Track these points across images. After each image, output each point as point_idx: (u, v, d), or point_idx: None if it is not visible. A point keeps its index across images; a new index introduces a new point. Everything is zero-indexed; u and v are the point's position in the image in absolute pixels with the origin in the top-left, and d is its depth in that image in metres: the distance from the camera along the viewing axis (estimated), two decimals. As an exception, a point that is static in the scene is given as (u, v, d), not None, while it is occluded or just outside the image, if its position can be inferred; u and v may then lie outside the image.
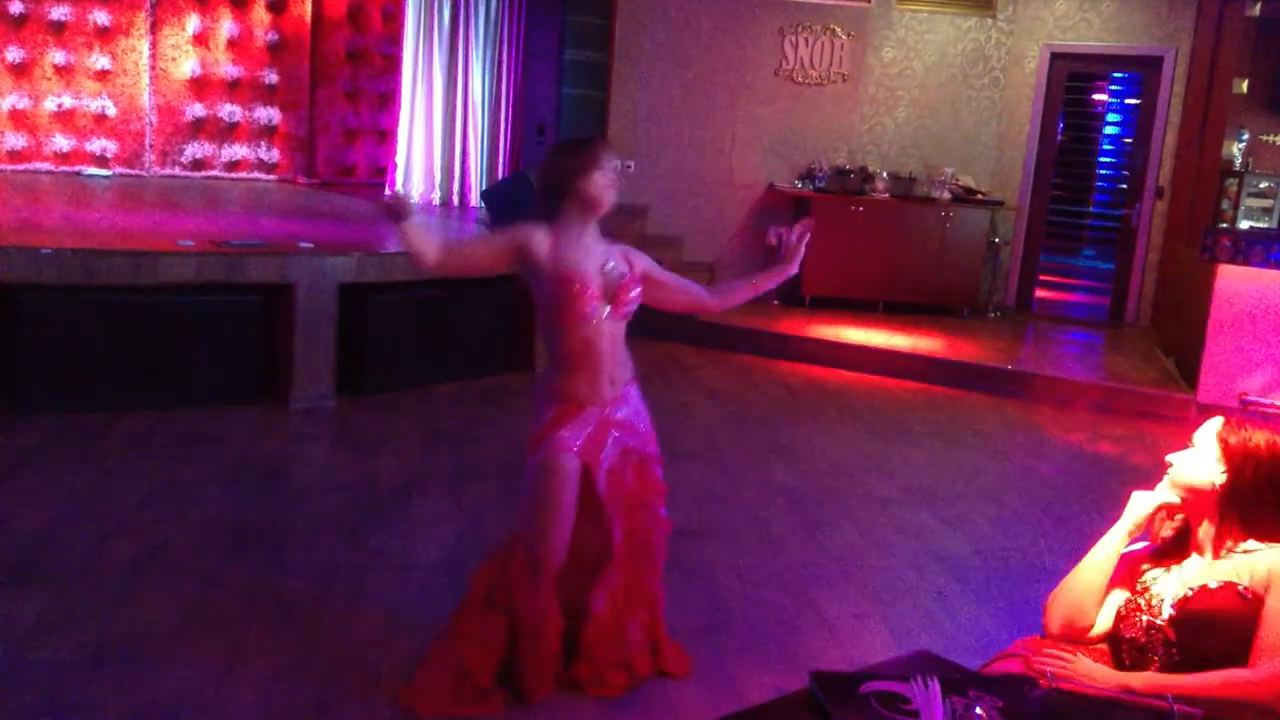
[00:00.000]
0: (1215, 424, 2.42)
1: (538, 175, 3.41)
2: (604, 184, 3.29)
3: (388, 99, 10.64)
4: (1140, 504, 2.45)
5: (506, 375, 7.41)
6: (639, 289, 3.40)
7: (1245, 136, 8.69)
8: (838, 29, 10.25)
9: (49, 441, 5.48)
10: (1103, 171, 10.70)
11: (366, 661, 3.61)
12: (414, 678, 3.44)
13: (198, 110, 10.32)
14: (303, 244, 6.68)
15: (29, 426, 5.63)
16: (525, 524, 3.46)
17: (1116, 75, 10.46)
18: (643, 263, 3.48)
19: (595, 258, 3.34)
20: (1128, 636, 2.32)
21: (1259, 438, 2.37)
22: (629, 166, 9.60)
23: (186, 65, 10.24)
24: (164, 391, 6.11)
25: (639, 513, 3.56)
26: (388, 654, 3.67)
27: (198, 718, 3.23)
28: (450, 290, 7.09)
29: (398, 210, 3.15)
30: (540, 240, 3.29)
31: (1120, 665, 2.26)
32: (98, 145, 10.00)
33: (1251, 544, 2.29)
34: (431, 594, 4.14)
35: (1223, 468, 2.34)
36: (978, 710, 1.88)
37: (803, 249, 3.52)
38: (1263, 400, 7.40)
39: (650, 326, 5.23)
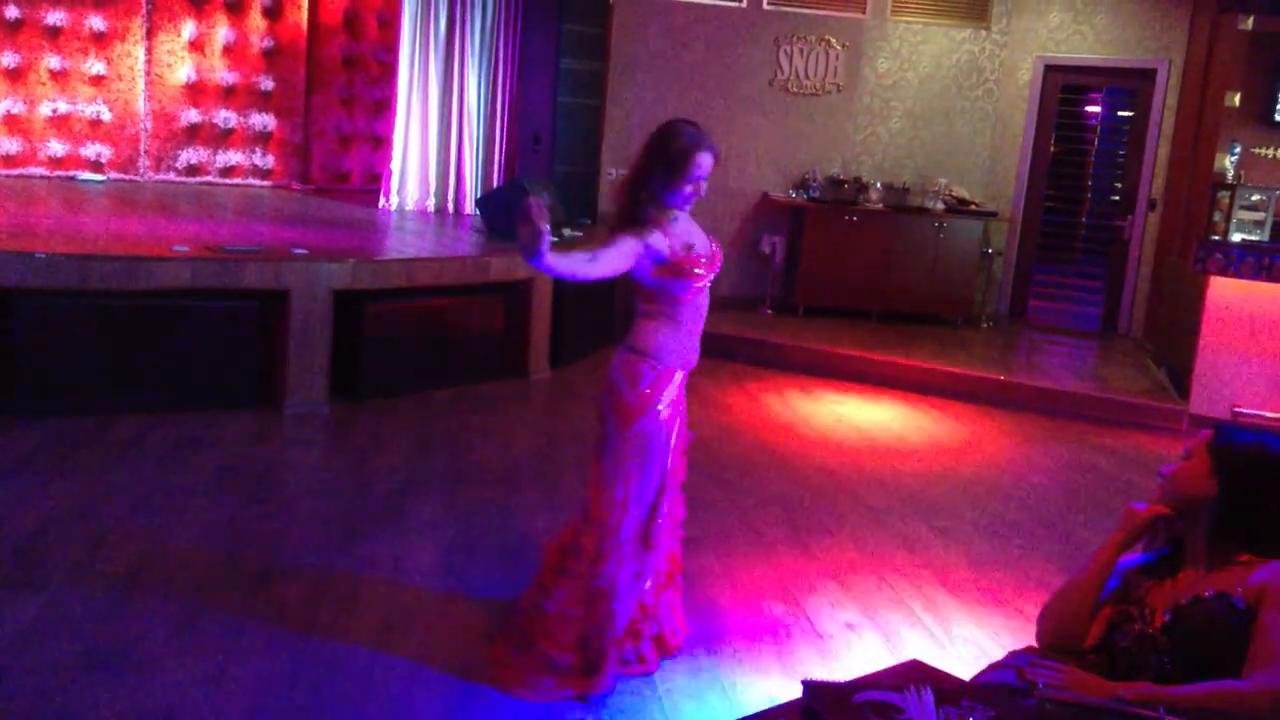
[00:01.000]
0: (1207, 436, 2.44)
1: (652, 150, 3.55)
2: (688, 191, 3.53)
3: (383, 106, 10.66)
4: (1134, 517, 2.46)
5: (501, 381, 7.41)
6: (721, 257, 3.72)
7: (1237, 149, 8.73)
8: (832, 40, 10.29)
9: (43, 446, 5.48)
10: (1095, 183, 10.73)
11: (360, 666, 3.62)
12: (496, 655, 3.66)
13: (193, 116, 10.33)
14: (297, 250, 6.68)
15: (23, 431, 5.62)
16: (629, 490, 3.59)
17: (1110, 87, 10.50)
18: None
19: (698, 235, 3.65)
20: (1121, 647, 2.33)
21: (1250, 449, 2.38)
22: (614, 174, 9.61)
23: (182, 71, 10.25)
24: (158, 396, 6.11)
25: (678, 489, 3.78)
26: (382, 659, 3.68)
27: (191, 724, 3.23)
28: (445, 297, 7.10)
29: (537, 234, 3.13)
30: (658, 236, 3.51)
31: (1113, 676, 2.27)
32: (92, 150, 10.00)
33: (1244, 556, 2.31)
34: (426, 599, 4.15)
35: (1214, 480, 2.36)
36: None
37: None
38: (1254, 412, 7.43)
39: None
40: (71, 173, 9.89)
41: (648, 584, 3.70)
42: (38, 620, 3.73)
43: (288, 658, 3.63)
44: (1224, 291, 7.52)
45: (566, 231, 8.33)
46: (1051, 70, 10.31)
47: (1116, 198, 10.50)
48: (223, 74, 10.40)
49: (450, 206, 9.94)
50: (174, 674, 3.47)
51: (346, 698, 3.44)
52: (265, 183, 10.70)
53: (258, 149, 10.67)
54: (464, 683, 3.58)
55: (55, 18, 9.77)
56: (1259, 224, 8.59)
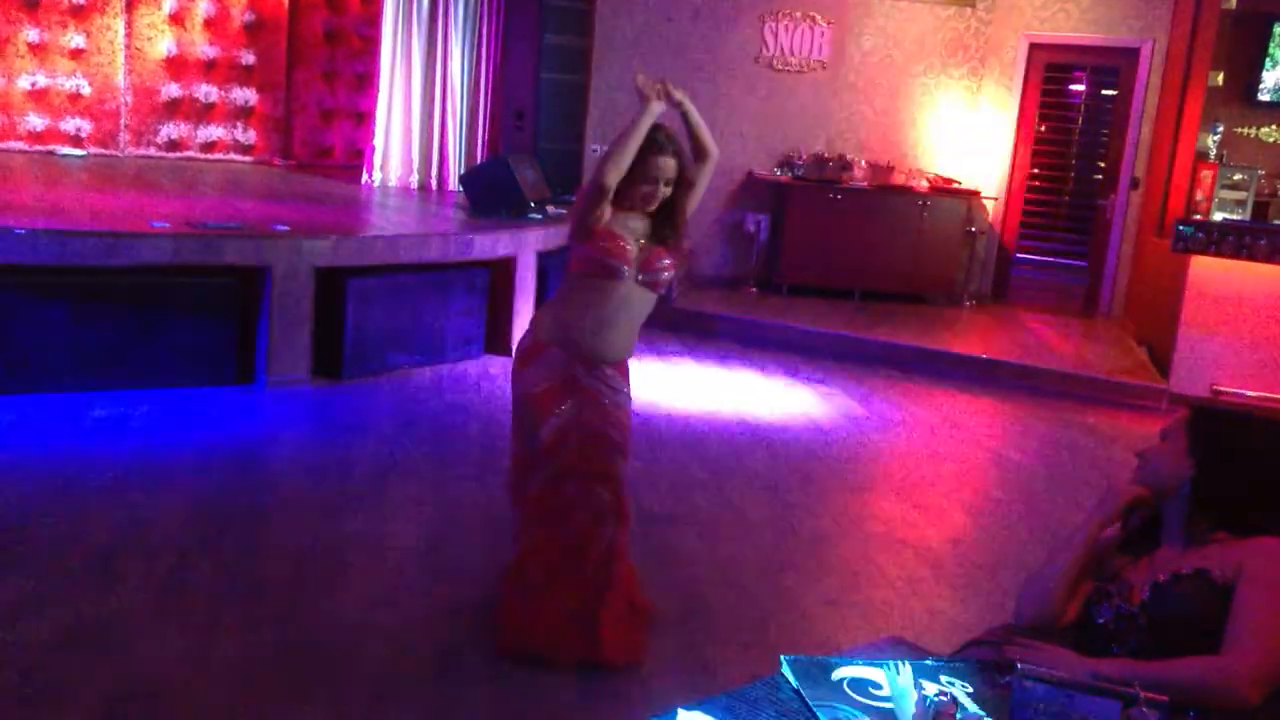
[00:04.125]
0: (1184, 416, 2.45)
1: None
2: (641, 190, 3.59)
3: (366, 81, 10.59)
4: (1113, 496, 2.48)
5: (485, 360, 7.40)
6: (670, 262, 3.68)
7: (1220, 128, 8.76)
8: (818, 17, 10.25)
9: (23, 422, 5.45)
10: (1079, 162, 10.75)
11: (344, 642, 3.62)
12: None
13: (173, 90, 10.24)
14: (279, 226, 6.65)
15: (2, 407, 5.59)
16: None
17: (1094, 66, 10.51)
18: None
19: (633, 232, 3.63)
20: (1098, 624, 2.35)
21: (1226, 428, 2.40)
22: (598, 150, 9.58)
23: (162, 45, 10.16)
24: (139, 373, 6.08)
25: (575, 488, 3.66)
26: (365, 635, 3.68)
27: (174, 699, 3.23)
28: (428, 274, 7.08)
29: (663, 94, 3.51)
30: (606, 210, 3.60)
31: (1090, 653, 2.28)
32: (72, 125, 9.91)
33: (1221, 534, 2.33)
34: (409, 576, 4.16)
35: (1191, 459, 2.37)
36: (949, 696, 1.91)
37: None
38: (1234, 390, 7.48)
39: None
40: (50, 147, 9.80)
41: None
42: (19, 598, 3.72)
43: (271, 635, 3.64)
44: (1205, 271, 7.56)
45: (550, 209, 8.31)
46: (1036, 49, 10.30)
47: (1099, 176, 10.53)
48: (203, 48, 10.31)
49: (433, 183, 9.89)
50: (156, 651, 3.47)
51: (329, 674, 3.45)
52: (246, 158, 10.63)
53: (239, 124, 10.60)
54: (447, 659, 3.59)
55: (33, -10, 9.67)
56: (1240, 203, 8.63)
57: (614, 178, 3.49)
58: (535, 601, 3.64)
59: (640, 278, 3.61)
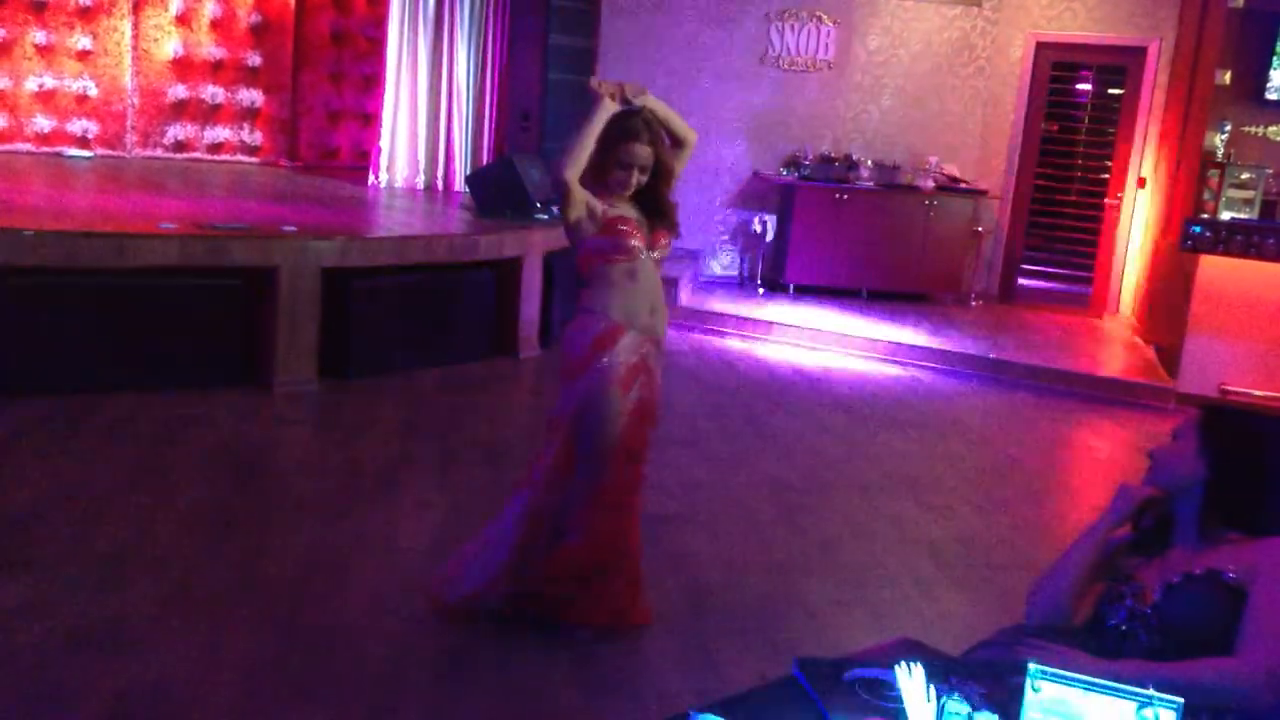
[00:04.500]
0: (1196, 417, 2.44)
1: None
2: (616, 175, 3.68)
3: (372, 82, 10.59)
4: (1125, 497, 2.47)
5: (491, 360, 7.40)
6: (668, 241, 3.84)
7: (1227, 127, 8.72)
8: (824, 16, 10.24)
9: (30, 425, 5.45)
10: (1085, 161, 10.72)
11: (351, 645, 3.62)
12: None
13: (180, 92, 10.25)
14: (286, 227, 6.65)
15: (10, 409, 5.59)
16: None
17: (1100, 65, 10.48)
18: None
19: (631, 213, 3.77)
20: (1110, 625, 2.34)
21: (1238, 429, 2.39)
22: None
23: (169, 46, 10.17)
24: (146, 375, 6.08)
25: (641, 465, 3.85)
26: (372, 637, 3.68)
27: (181, 701, 3.23)
28: (435, 275, 7.07)
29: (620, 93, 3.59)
30: (594, 199, 3.71)
31: (1103, 654, 2.27)
32: (79, 126, 9.93)
33: (1234, 535, 2.31)
34: (416, 578, 4.14)
35: (1204, 460, 2.36)
36: (960, 697, 1.90)
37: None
38: (1242, 390, 7.45)
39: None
40: (58, 149, 9.82)
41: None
42: (27, 599, 3.72)
43: (278, 636, 3.63)
44: (1213, 270, 7.53)
45: (556, 210, 8.29)
46: (1043, 48, 10.29)
47: (1107, 176, 10.50)
48: (210, 49, 10.32)
49: (439, 184, 9.89)
50: (164, 653, 3.46)
51: (334, 675, 3.44)
52: (253, 159, 10.64)
53: (245, 125, 10.60)
54: (454, 661, 3.58)
55: (40, -8, 9.68)
56: (1248, 202, 8.59)
57: (571, 173, 3.58)
58: (604, 583, 3.79)
59: (655, 255, 3.77)
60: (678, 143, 3.79)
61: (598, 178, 3.69)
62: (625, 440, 3.72)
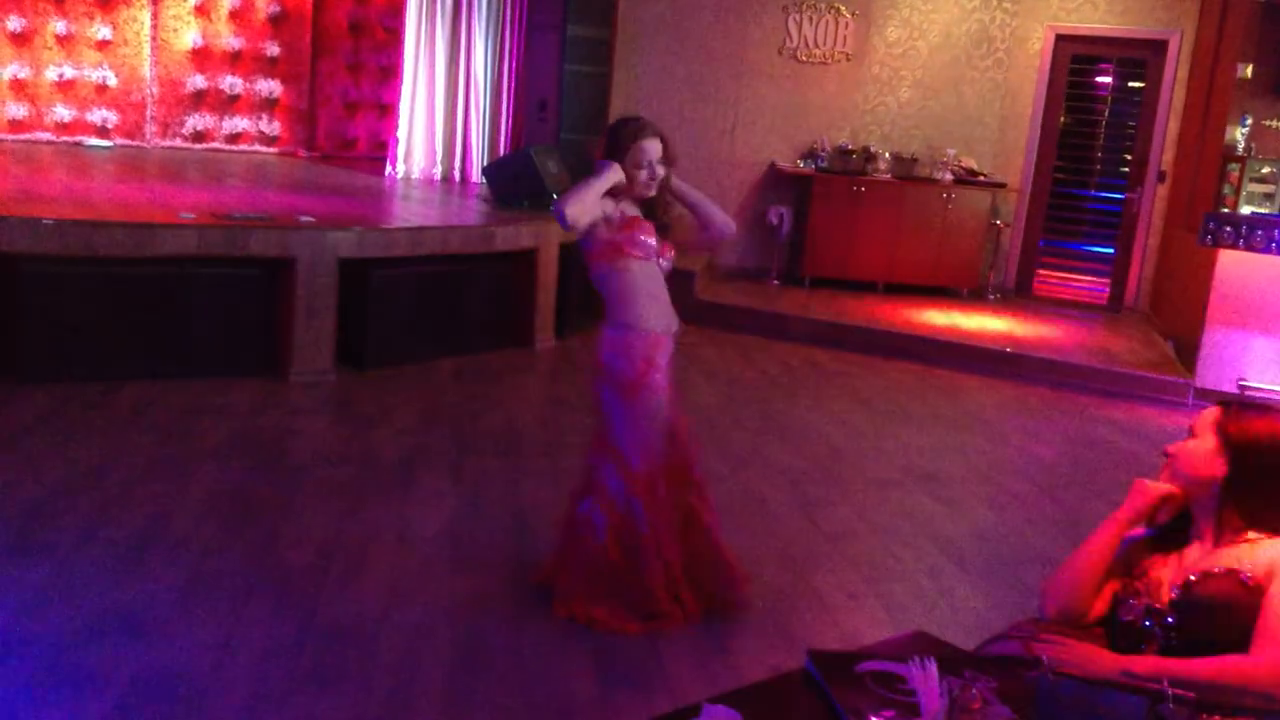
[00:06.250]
0: (1214, 413, 2.42)
1: (603, 146, 3.85)
2: (638, 178, 3.78)
3: (390, 72, 10.62)
4: (1142, 493, 2.46)
5: (507, 351, 7.42)
6: (674, 253, 3.92)
7: (1248, 121, 8.67)
8: (842, 8, 10.21)
9: (50, 412, 5.49)
10: (1105, 155, 10.66)
11: (366, 634, 3.64)
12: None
13: (199, 82, 10.29)
14: (303, 218, 6.67)
15: (30, 397, 5.64)
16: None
17: (1121, 58, 10.41)
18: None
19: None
20: (1126, 620, 2.33)
21: (1258, 427, 2.36)
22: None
23: (188, 36, 10.21)
24: (164, 364, 6.12)
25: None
26: (387, 625, 3.70)
27: (197, 688, 3.25)
28: (451, 265, 7.09)
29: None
30: (609, 203, 3.80)
31: (1118, 650, 2.27)
32: (98, 116, 9.98)
33: (1252, 534, 2.30)
34: (431, 568, 4.17)
35: (1223, 458, 2.34)
36: (973, 691, 1.90)
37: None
38: (1260, 385, 7.41)
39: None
40: (78, 138, 9.87)
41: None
42: (46, 585, 3.75)
43: (294, 624, 3.66)
44: (1232, 265, 7.49)
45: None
46: (1062, 40, 10.22)
47: (1126, 169, 10.44)
48: (229, 39, 10.36)
49: (456, 174, 9.91)
50: (181, 640, 3.49)
51: (351, 663, 3.46)
52: (271, 149, 10.68)
53: (264, 115, 10.64)
54: (469, 650, 3.60)
55: (60, -19, 9.72)
56: (1269, 197, 8.54)
57: (576, 214, 3.64)
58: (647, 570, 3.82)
59: (659, 258, 3.84)
60: (704, 226, 3.97)
61: (616, 187, 3.77)
62: (662, 436, 3.83)
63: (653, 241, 3.78)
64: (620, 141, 3.76)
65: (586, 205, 3.65)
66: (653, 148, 3.77)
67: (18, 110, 9.68)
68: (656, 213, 3.88)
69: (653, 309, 3.78)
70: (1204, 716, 1.96)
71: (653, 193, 3.82)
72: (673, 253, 3.89)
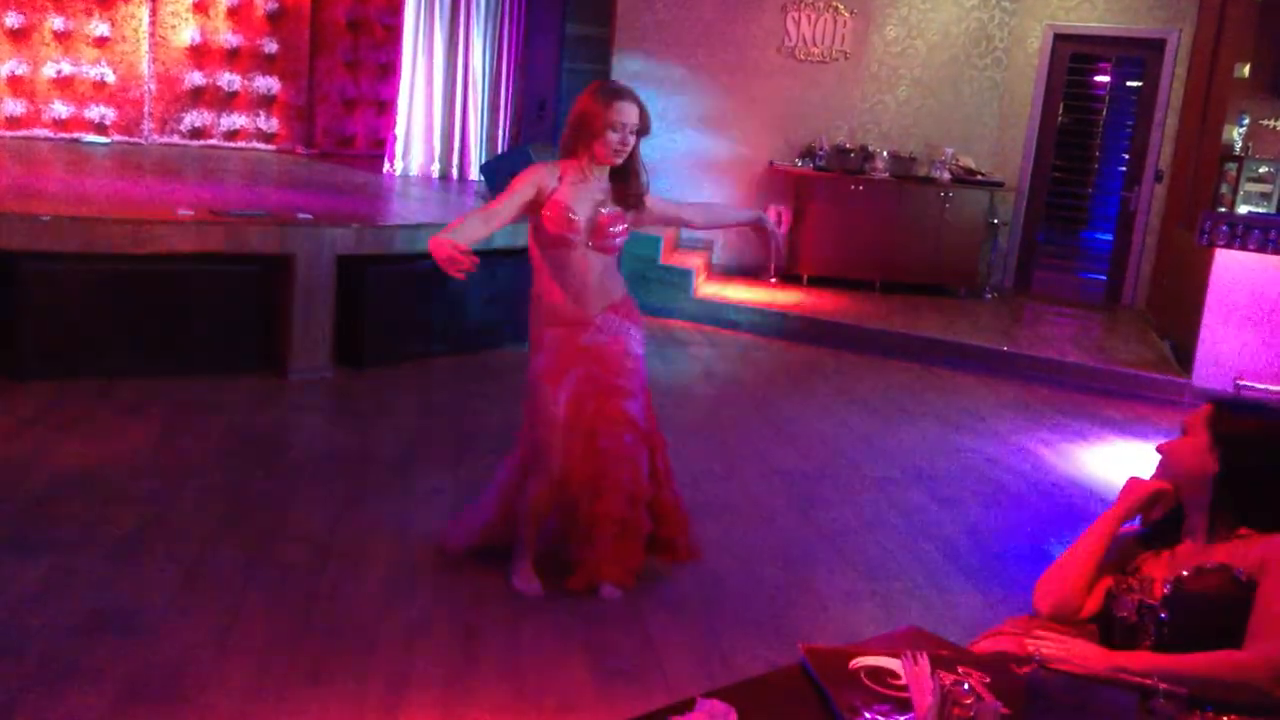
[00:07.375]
0: (1206, 411, 2.43)
1: (578, 104, 3.81)
2: (609, 139, 3.71)
3: (388, 69, 10.62)
4: (1135, 490, 2.47)
5: (505, 348, 7.42)
6: (624, 227, 3.88)
7: (1246, 121, 8.68)
8: (841, 6, 10.21)
9: (48, 409, 5.50)
10: (1103, 154, 10.68)
11: (364, 629, 3.65)
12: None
13: (197, 78, 10.29)
14: (301, 215, 6.68)
15: (28, 393, 5.64)
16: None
17: (1119, 57, 10.42)
18: (656, 207, 4.02)
19: (591, 196, 3.81)
20: (1119, 616, 2.34)
21: (1250, 424, 2.38)
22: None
23: (186, 33, 10.21)
24: (162, 360, 6.12)
25: (603, 439, 3.89)
26: (385, 621, 3.71)
27: (195, 684, 3.26)
28: (449, 263, 7.08)
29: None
30: (551, 174, 3.80)
31: (1110, 645, 2.28)
32: (96, 112, 9.98)
33: (1244, 530, 2.31)
34: (428, 563, 4.17)
35: (1215, 455, 2.35)
36: (966, 686, 1.91)
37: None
38: (1257, 385, 7.42)
39: (644, 305, 5.24)
40: (75, 135, 9.87)
41: None
42: (45, 581, 3.76)
43: (292, 620, 3.66)
44: (1229, 264, 7.50)
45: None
46: (1060, 39, 10.24)
47: (1124, 169, 10.45)
48: (226, 36, 10.36)
49: (455, 172, 9.91)
50: (179, 635, 3.50)
51: (348, 660, 3.47)
52: (269, 146, 10.68)
53: (262, 112, 10.64)
54: (466, 645, 3.61)
55: (58, -22, 9.72)
56: (1266, 196, 8.55)
57: (479, 239, 3.75)
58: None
59: (590, 244, 3.81)
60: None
61: (584, 146, 3.74)
62: (572, 423, 3.88)
63: (569, 234, 3.77)
64: (595, 102, 3.71)
65: (469, 235, 3.69)
66: (629, 110, 3.71)
67: (15, 107, 9.68)
68: (626, 182, 3.83)
69: (554, 298, 3.85)
70: (1196, 712, 1.97)
71: (619, 161, 3.76)
72: (622, 227, 3.86)
